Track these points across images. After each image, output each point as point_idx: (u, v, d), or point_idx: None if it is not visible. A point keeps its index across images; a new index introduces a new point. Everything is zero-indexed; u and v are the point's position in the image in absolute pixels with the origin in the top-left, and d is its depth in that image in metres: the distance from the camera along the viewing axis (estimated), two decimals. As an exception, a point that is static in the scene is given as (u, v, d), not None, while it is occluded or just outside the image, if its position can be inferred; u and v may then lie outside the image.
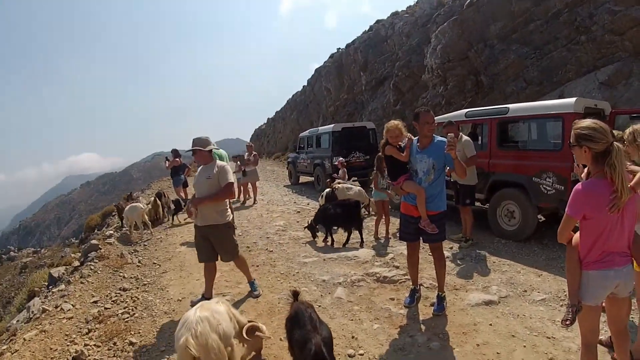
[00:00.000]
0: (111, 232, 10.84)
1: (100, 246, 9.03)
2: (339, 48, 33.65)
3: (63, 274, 8.32)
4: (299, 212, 11.86)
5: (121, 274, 7.23)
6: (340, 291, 5.78)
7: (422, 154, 4.77)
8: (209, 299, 5.12)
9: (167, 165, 14.15)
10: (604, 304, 3.08)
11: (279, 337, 4.49)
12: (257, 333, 3.88)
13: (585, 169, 3.21)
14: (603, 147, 2.69)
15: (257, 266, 7.20)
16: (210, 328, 3.32)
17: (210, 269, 5.70)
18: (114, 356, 4.47)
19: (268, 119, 56.97)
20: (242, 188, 14.54)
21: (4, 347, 4.90)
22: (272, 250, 8.12)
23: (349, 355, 4.19)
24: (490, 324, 4.62)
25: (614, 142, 2.68)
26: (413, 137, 5.00)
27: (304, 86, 41.86)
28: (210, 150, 5.44)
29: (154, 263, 7.87)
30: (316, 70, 38.05)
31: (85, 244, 10.75)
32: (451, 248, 7.53)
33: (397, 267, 6.55)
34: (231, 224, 5.60)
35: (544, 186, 7.02)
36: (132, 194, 12.98)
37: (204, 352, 3.21)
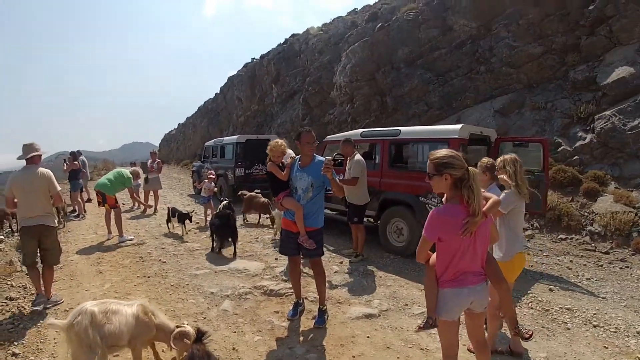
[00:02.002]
0: (1, 237, 9.76)
1: None
2: (254, 58, 33.38)
3: None
4: (198, 222, 11.56)
5: (9, 282, 6.69)
6: (227, 304, 5.78)
7: (302, 172, 4.91)
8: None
9: (64, 168, 13.44)
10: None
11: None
12: (184, 340, 3.78)
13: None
14: (461, 172, 2.86)
15: (148, 277, 7.02)
16: (90, 322, 3.42)
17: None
18: None
19: (179, 124, 55.46)
20: (142, 196, 14.01)
21: None
22: (165, 262, 7.92)
23: None
24: (368, 337, 4.79)
25: (469, 168, 2.87)
26: (296, 156, 5.20)
27: (216, 93, 41.10)
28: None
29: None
30: (229, 78, 37.50)
31: None
32: (341, 262, 7.74)
33: (285, 281, 6.61)
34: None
35: (430, 205, 7.22)
36: None
37: (76, 342, 3.40)
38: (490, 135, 8.21)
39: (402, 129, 8.37)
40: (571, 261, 7.75)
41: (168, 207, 10.57)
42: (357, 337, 4.79)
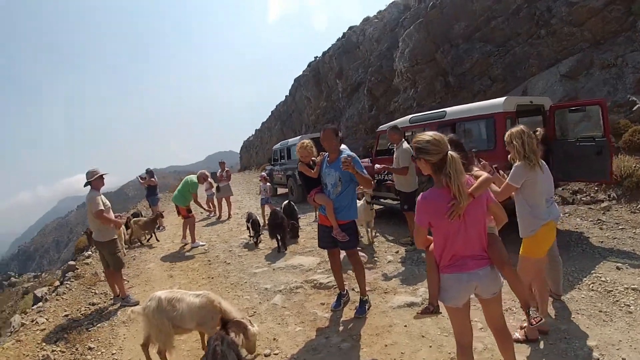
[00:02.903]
0: (90, 252, 11.11)
1: (77, 266, 9.73)
2: (316, 56, 33.54)
3: (45, 293, 8.84)
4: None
5: (93, 291, 7.81)
6: (278, 298, 6.09)
7: (329, 168, 5.07)
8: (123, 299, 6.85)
9: (142, 183, 14.41)
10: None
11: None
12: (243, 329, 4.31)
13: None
14: (438, 158, 2.82)
15: (212, 278, 7.60)
16: (157, 306, 4.22)
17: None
18: (75, 358, 5.21)
19: (256, 130, 56.93)
20: (216, 204, 14.74)
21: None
22: (229, 263, 8.42)
23: (265, 355, 4.53)
24: (405, 325, 4.79)
25: (449, 152, 2.80)
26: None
27: (286, 96, 41.76)
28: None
29: (124, 279, 7.97)
30: (295, 79, 38.02)
31: (64, 265, 11.30)
32: (397, 252, 7.69)
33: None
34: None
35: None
36: (139, 213, 13.44)
37: (146, 322, 4.36)
38: (543, 104, 7.69)
39: (448, 109, 8.08)
40: (650, 233, 7.02)
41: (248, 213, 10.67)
42: (394, 326, 4.83)
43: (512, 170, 3.92)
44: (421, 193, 2.98)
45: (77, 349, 5.42)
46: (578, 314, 4.63)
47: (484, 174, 3.18)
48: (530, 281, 4.09)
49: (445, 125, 8.12)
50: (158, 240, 11.69)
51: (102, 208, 6.49)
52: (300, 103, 36.22)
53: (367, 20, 27.12)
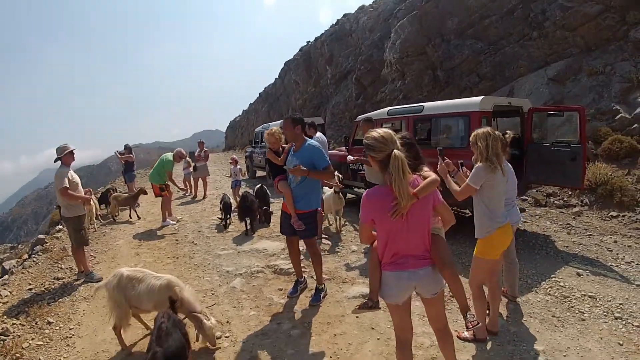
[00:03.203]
0: (61, 226, 10.87)
1: (46, 240, 9.66)
2: (309, 41, 33.19)
3: (13, 266, 8.75)
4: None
5: (59, 265, 7.73)
6: (237, 281, 6.08)
7: (292, 157, 5.01)
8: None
9: (119, 159, 14.31)
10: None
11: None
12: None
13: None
14: (383, 155, 2.78)
15: (177, 258, 7.54)
16: (117, 284, 4.33)
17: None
18: (32, 332, 5.18)
19: (243, 110, 56.52)
20: (192, 183, 14.63)
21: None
22: (196, 243, 8.36)
23: (217, 337, 4.44)
24: (357, 316, 4.71)
25: (394, 151, 2.74)
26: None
27: (275, 79, 41.43)
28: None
29: (91, 255, 8.12)
30: (286, 63, 37.75)
31: (33, 238, 11.28)
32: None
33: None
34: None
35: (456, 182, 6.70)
36: (113, 189, 13.53)
37: (107, 298, 4.46)
38: (522, 106, 7.63)
39: (426, 104, 7.95)
40: (615, 242, 6.98)
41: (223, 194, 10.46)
42: (346, 316, 4.81)
43: (472, 171, 3.86)
44: (366, 190, 3.00)
45: (36, 323, 5.40)
46: (531, 317, 4.63)
47: (432, 175, 3.03)
48: (482, 281, 4.09)
49: (422, 120, 8.01)
50: (139, 218, 11.46)
51: (67, 185, 6.42)
52: (288, 87, 35.97)
53: (362, 8, 26.85)
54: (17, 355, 4.64)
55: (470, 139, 3.96)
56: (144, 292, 4.24)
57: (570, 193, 9.12)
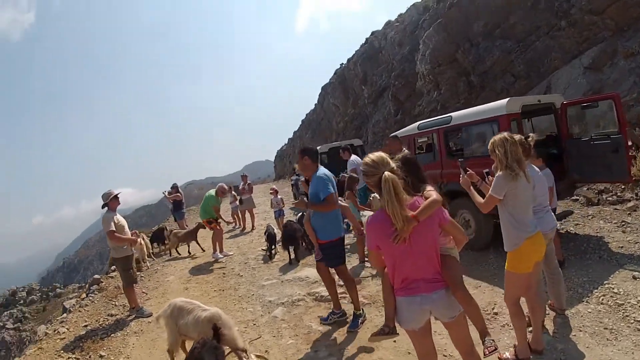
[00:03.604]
0: (114, 267, 11.56)
1: (101, 280, 10.38)
2: (342, 63, 33.38)
3: (73, 305, 9.45)
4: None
5: (114, 303, 8.25)
6: (279, 311, 6.17)
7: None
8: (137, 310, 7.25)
9: (167, 199, 14.84)
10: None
11: None
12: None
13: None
14: (375, 180, 2.76)
15: (223, 290, 7.75)
16: (170, 313, 4.84)
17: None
18: None
19: (288, 139, 57.14)
20: (239, 216, 15.03)
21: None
22: (242, 275, 8.53)
23: None
24: (394, 341, 4.60)
25: (385, 173, 2.69)
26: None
27: (315, 104, 41.77)
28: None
29: (143, 292, 8.64)
30: (322, 87, 38.10)
31: (90, 279, 11.81)
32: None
33: (341, 286, 6.40)
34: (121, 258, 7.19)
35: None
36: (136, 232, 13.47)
37: (161, 324, 5.10)
38: (554, 102, 7.34)
39: (454, 114, 7.81)
40: (679, 238, 6.44)
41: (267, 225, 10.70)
42: (383, 341, 4.60)
43: (493, 181, 3.69)
44: (368, 215, 2.98)
45: (90, 357, 5.86)
46: (580, 330, 4.30)
47: (433, 195, 2.89)
48: (518, 296, 3.84)
49: (452, 131, 7.86)
50: (203, 250, 11.81)
51: (113, 229, 6.87)
52: (328, 111, 36.23)
53: (388, 24, 26.91)
54: None
55: (488, 146, 3.79)
56: (191, 322, 4.57)
57: (623, 187, 8.54)
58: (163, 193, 15.26)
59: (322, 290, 6.49)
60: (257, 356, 4.67)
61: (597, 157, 6.64)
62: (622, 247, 6.31)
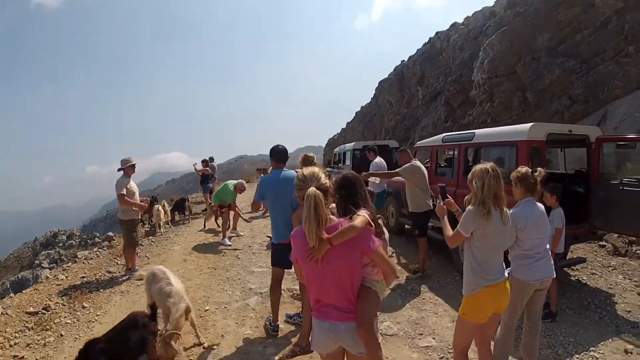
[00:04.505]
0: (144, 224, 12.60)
1: (114, 237, 11.15)
2: (403, 60, 32.58)
3: (85, 256, 9.95)
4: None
5: (116, 261, 8.73)
6: (253, 300, 6.24)
7: None
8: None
9: (197, 172, 15.21)
10: None
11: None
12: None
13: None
14: (303, 194, 2.58)
15: (215, 269, 7.94)
16: (146, 278, 5.16)
17: None
18: (67, 312, 6.18)
19: (342, 129, 56.76)
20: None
21: (11, 296, 7.36)
22: (239, 258, 8.62)
23: (203, 346, 4.84)
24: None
25: (310, 188, 2.51)
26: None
27: (371, 99, 41.15)
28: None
29: (146, 256, 9.09)
30: (380, 82, 37.29)
31: (105, 235, 12.83)
32: (397, 278, 6.77)
33: None
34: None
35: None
36: (155, 198, 14.02)
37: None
38: (589, 135, 6.65)
39: (477, 131, 7.33)
40: None
41: None
42: None
43: (463, 216, 3.35)
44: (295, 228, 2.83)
45: (74, 305, 6.36)
46: None
47: (355, 221, 2.58)
48: (465, 346, 3.50)
49: (473, 148, 7.30)
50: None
51: (124, 192, 7.35)
52: (382, 107, 35.60)
53: (453, 26, 25.92)
54: (47, 327, 5.66)
55: (468, 176, 3.42)
56: (156, 291, 4.78)
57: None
58: (193, 165, 15.44)
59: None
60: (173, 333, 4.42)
61: (625, 205, 5.81)
62: (629, 311, 5.56)
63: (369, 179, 7.61)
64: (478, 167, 3.33)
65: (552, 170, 7.91)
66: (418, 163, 7.06)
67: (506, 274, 3.38)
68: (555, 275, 3.95)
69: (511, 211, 3.65)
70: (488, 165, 3.29)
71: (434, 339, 4.88)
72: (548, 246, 4.00)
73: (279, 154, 5.06)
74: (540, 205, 3.91)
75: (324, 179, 2.68)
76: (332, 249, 2.49)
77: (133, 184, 7.68)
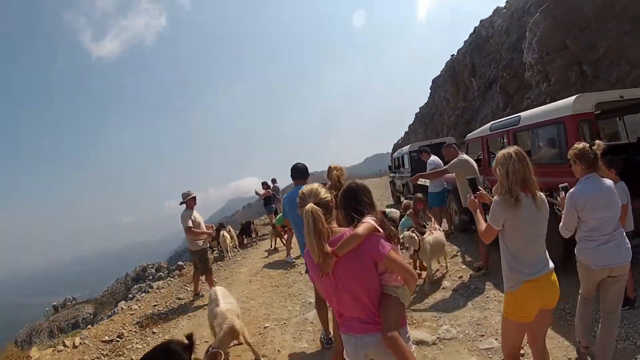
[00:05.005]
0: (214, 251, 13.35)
1: (184, 266, 11.93)
2: (452, 54, 32.04)
3: (159, 286, 10.56)
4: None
5: (186, 288, 9.30)
6: (312, 314, 6.20)
7: None
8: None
9: (261, 196, 15.75)
10: None
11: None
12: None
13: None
14: (302, 211, 2.54)
15: (277, 286, 8.23)
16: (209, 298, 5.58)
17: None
18: (139, 338, 6.72)
19: (405, 132, 56.34)
20: None
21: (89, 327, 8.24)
22: (302, 274, 8.71)
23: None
24: None
25: (308, 205, 2.50)
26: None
27: (428, 98, 40.69)
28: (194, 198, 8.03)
29: (214, 280, 9.10)
30: (433, 80, 36.82)
31: (176, 264, 13.51)
32: (460, 277, 6.88)
33: None
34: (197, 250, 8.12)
35: (557, 207, 5.60)
36: (222, 224, 14.70)
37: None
38: (643, 97, 6.10)
39: (523, 114, 7.01)
40: None
41: None
42: None
43: (491, 207, 3.13)
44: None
45: (145, 332, 6.92)
46: None
47: (359, 228, 2.53)
48: (515, 347, 3.24)
49: (521, 132, 7.01)
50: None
51: (190, 225, 7.75)
52: (439, 104, 35.07)
53: (496, 11, 25.28)
54: (120, 353, 6.16)
55: (493, 164, 3.22)
56: (208, 313, 5.22)
57: None
58: (255, 191, 16.01)
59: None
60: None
61: None
62: None
63: (419, 182, 7.40)
64: (500, 152, 3.12)
65: (614, 142, 7.48)
66: (465, 156, 6.88)
67: (552, 265, 3.08)
68: (628, 261, 3.58)
69: (570, 191, 3.58)
70: (512, 149, 3.07)
71: (496, 339, 4.55)
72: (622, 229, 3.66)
73: (297, 172, 5.18)
74: (607, 181, 3.63)
75: (323, 194, 2.65)
76: (340, 261, 2.47)
77: (197, 215, 8.05)
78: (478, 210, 3.43)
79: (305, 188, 2.70)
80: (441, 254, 7.05)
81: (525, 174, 3.00)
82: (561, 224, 3.53)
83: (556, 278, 3.08)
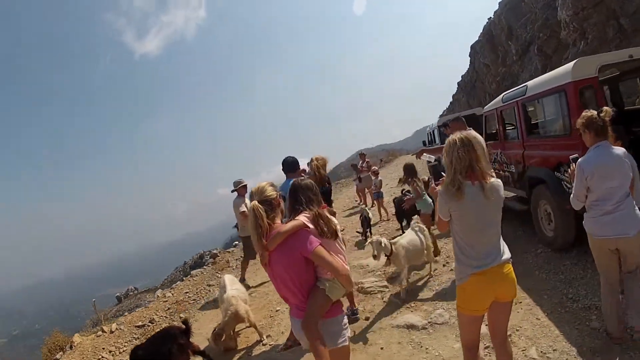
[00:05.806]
0: (236, 242, 13.44)
1: (218, 254, 12.22)
2: (489, 17, 30.76)
3: (196, 274, 10.98)
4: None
5: (218, 275, 9.58)
6: None
7: None
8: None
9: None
10: None
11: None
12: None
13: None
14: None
15: None
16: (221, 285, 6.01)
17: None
18: (167, 322, 7.21)
19: (450, 102, 55.08)
20: (360, 194, 15.29)
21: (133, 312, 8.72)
22: None
23: (262, 343, 5.41)
24: (382, 348, 4.57)
25: (254, 202, 2.80)
26: None
27: (468, 66, 39.43)
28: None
29: (257, 267, 9.37)
30: (471, 47, 35.49)
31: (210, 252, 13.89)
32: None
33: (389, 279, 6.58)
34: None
35: (565, 183, 5.30)
36: None
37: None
38: (655, 57, 5.61)
39: (529, 83, 6.64)
40: None
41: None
42: (372, 345, 4.67)
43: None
44: None
45: (173, 317, 7.43)
46: None
47: (287, 224, 2.78)
48: (470, 341, 3.13)
49: (529, 103, 6.59)
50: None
51: (244, 210, 7.84)
52: (480, 71, 33.90)
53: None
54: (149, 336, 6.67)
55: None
56: (219, 296, 5.71)
57: None
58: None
59: (367, 282, 6.51)
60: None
61: None
62: None
63: (421, 157, 6.94)
64: (452, 137, 2.93)
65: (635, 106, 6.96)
66: (473, 133, 6.46)
67: (506, 256, 2.87)
68: (632, 235, 3.37)
69: (579, 160, 3.52)
70: (457, 135, 2.90)
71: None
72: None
73: (288, 165, 5.26)
74: (617, 149, 3.46)
75: (269, 192, 2.89)
76: (271, 254, 2.74)
77: (248, 202, 8.05)
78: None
79: (255, 186, 2.97)
80: (419, 260, 6.23)
81: (471, 161, 2.81)
82: (572, 194, 3.52)
83: (511, 269, 2.89)
